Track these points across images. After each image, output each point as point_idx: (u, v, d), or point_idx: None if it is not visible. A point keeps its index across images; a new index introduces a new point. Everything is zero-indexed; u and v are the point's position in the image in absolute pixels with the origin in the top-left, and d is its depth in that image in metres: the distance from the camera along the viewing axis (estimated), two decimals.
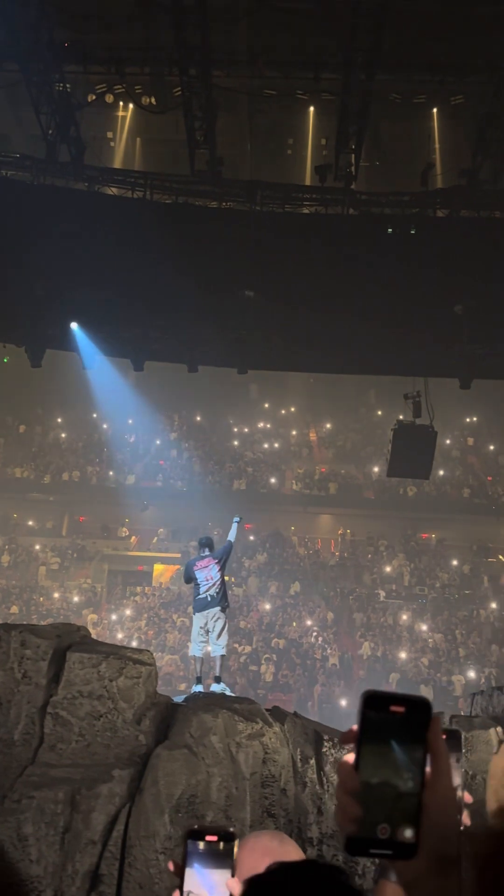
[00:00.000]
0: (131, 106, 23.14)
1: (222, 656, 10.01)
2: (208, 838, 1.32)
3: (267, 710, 5.66)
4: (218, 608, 9.58)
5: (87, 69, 18.64)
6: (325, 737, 5.40)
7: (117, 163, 22.70)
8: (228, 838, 1.32)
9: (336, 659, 23.79)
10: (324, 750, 5.36)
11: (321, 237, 17.06)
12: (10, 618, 23.63)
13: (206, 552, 9.88)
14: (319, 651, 24.14)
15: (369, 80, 17.17)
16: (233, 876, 1.30)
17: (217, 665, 10.06)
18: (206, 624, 9.56)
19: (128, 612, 26.97)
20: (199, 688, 9.39)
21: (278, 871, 1.12)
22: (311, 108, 23.68)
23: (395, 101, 22.02)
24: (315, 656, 23.72)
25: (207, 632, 9.59)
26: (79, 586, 28.98)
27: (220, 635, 9.64)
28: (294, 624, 26.33)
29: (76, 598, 27.87)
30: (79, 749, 5.02)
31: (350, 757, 1.00)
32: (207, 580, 9.58)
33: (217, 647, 9.72)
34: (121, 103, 23.08)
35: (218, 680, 9.91)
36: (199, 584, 9.61)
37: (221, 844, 1.32)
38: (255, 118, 24.38)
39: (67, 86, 18.09)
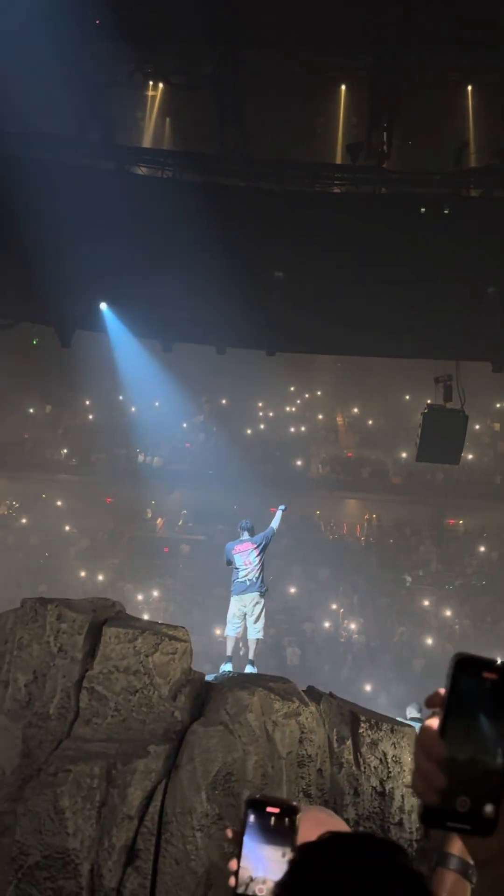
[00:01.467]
0: (161, 85, 22.90)
1: (258, 640, 10.04)
2: (269, 809, 1.26)
3: (302, 690, 5.60)
4: (257, 593, 9.61)
5: (117, 47, 18.49)
6: (362, 718, 5.33)
7: (146, 142, 22.51)
8: (291, 812, 1.26)
9: (362, 643, 23.74)
10: (360, 731, 5.29)
11: (352, 217, 16.82)
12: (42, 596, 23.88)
13: (246, 536, 9.88)
14: (345, 635, 24.09)
15: (401, 56, 16.85)
16: (292, 853, 1.23)
17: (252, 648, 10.08)
18: (243, 607, 9.58)
19: (154, 592, 27.13)
20: (228, 666, 9.40)
21: (333, 840, 1.03)
22: (343, 87, 23.24)
23: (428, 78, 21.56)
24: (341, 640, 23.69)
25: (244, 615, 9.61)
26: (106, 567, 29.21)
27: (258, 619, 9.68)
28: (320, 608, 26.31)
29: (102, 578, 28.09)
30: (114, 724, 5.01)
31: (434, 722, 0.94)
32: (246, 564, 9.60)
33: (254, 631, 9.75)
34: (150, 82, 22.85)
35: (252, 663, 9.93)
36: (237, 568, 9.64)
37: (283, 819, 1.25)
38: (285, 97, 24.04)
39: (97, 64, 17.99)
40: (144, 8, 18.77)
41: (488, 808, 0.91)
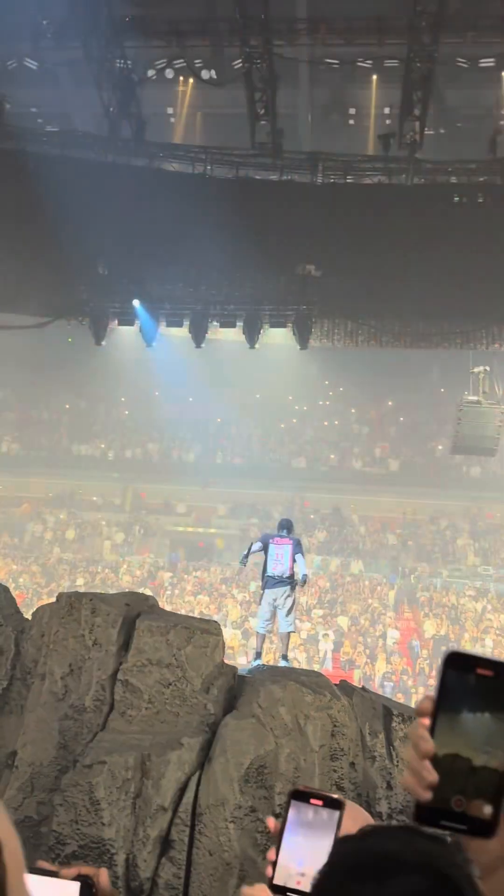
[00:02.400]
0: (191, 80, 22.92)
1: (290, 633, 10.04)
2: (313, 801, 1.25)
3: (335, 684, 5.61)
4: (288, 587, 9.60)
5: (148, 43, 18.55)
6: (395, 712, 5.32)
7: (177, 138, 22.57)
8: (334, 805, 1.24)
9: (398, 638, 23.61)
10: (393, 725, 5.28)
11: (385, 207, 16.67)
12: (77, 590, 24.22)
13: (285, 533, 9.89)
14: (381, 629, 23.99)
15: (434, 44, 16.60)
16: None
17: (284, 643, 10.09)
18: (275, 601, 9.58)
19: (189, 587, 27.32)
20: (258, 662, 9.43)
21: (374, 833, 1.01)
22: (374, 77, 22.97)
23: (460, 65, 21.18)
24: (376, 634, 23.59)
25: (276, 609, 9.61)
26: (142, 561, 29.50)
27: (289, 612, 9.67)
28: (355, 602, 26.23)
29: (138, 572, 28.37)
30: (148, 716, 5.07)
31: (427, 718, 0.91)
32: (279, 558, 9.58)
33: (286, 624, 9.75)
34: (181, 78, 22.88)
35: (285, 657, 9.94)
36: (270, 560, 9.61)
37: (326, 812, 1.24)
38: (316, 89, 23.89)
39: (128, 62, 18.08)
40: (174, 4, 18.80)
41: (486, 809, 0.88)
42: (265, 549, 9.76)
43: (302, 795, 1.25)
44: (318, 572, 28.66)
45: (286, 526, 10.08)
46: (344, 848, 1.00)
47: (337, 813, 1.22)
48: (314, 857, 1.19)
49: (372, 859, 0.92)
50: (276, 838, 1.24)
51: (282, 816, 1.25)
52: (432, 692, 0.92)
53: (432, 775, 0.88)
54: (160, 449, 34.96)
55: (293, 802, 1.25)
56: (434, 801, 0.89)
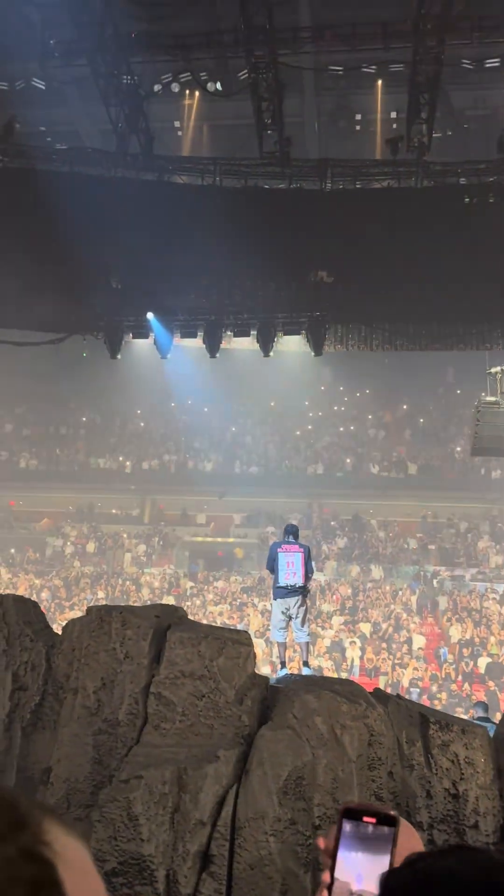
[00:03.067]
0: (197, 93, 23.07)
1: (307, 642, 9.94)
2: (366, 819, 1.18)
3: (369, 692, 5.54)
4: (299, 596, 9.46)
5: (153, 58, 18.69)
6: (432, 719, 5.24)
7: (186, 151, 22.71)
8: (389, 822, 1.18)
9: (422, 643, 23.41)
10: (430, 732, 5.20)
11: (395, 211, 16.66)
12: (99, 602, 24.24)
13: (291, 539, 9.68)
14: (405, 635, 23.80)
15: (440, 45, 16.59)
16: (391, 864, 1.17)
17: (303, 651, 9.99)
18: (287, 610, 9.46)
19: (209, 596, 27.27)
20: (284, 671, 9.34)
21: (449, 854, 0.97)
22: (379, 82, 23.00)
23: (465, 67, 21.15)
24: (400, 640, 23.40)
25: (289, 618, 9.49)
26: (162, 572, 29.49)
27: (303, 622, 9.55)
28: (377, 608, 26.05)
29: (158, 584, 28.36)
30: (182, 729, 5.03)
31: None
32: (289, 566, 9.40)
33: (301, 634, 9.64)
34: (187, 91, 23.03)
35: (306, 664, 9.85)
36: (280, 571, 9.46)
37: (381, 828, 1.18)
38: (322, 96, 23.96)
39: (135, 77, 18.21)
40: (178, 18, 18.96)
41: None
42: (275, 558, 9.56)
43: (354, 813, 1.20)
44: (339, 579, 28.51)
45: (292, 531, 9.84)
46: (403, 871, 0.98)
47: (392, 830, 1.17)
48: (371, 875, 1.15)
49: (436, 879, 0.90)
50: (329, 858, 1.19)
51: (334, 835, 1.20)
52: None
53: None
54: (177, 460, 35.02)
55: (345, 820, 1.20)
56: None
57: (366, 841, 1.18)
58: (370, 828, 1.19)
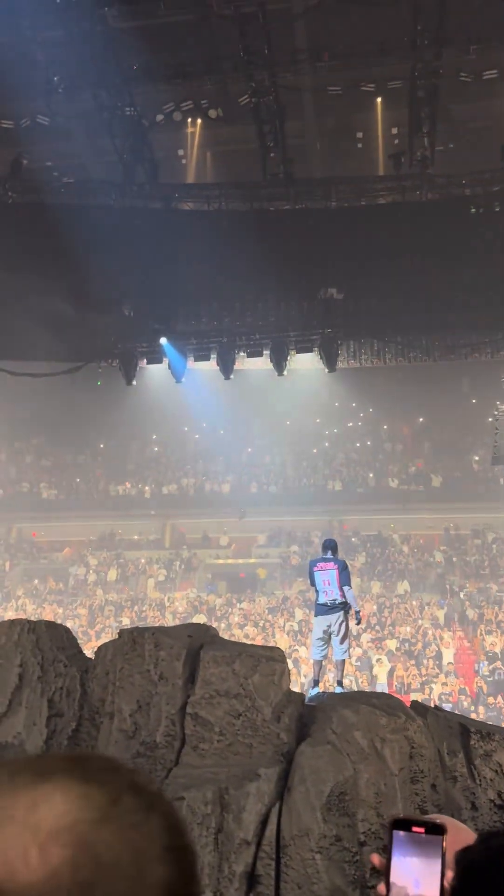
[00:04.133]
0: (199, 121, 23.38)
1: (344, 661, 9.81)
2: (415, 829, 1.24)
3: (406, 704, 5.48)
4: (341, 612, 9.37)
5: (154, 88, 19.00)
6: (472, 729, 5.17)
7: (190, 178, 22.98)
8: (436, 831, 1.23)
9: (451, 657, 23.11)
10: (471, 743, 5.13)
11: (401, 224, 16.76)
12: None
13: (329, 555, 9.62)
14: (434, 650, 23.51)
15: (438, 59, 16.77)
16: (442, 870, 1.20)
17: (339, 669, 9.87)
18: (328, 627, 9.37)
19: (235, 618, 27.12)
20: (316, 689, 9.23)
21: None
22: (379, 100, 23.22)
23: (464, 80, 21.33)
24: (429, 655, 23.12)
25: (330, 635, 9.40)
26: (186, 596, 29.40)
27: (343, 639, 9.44)
28: (404, 624, 25.78)
29: (182, 608, 28.27)
30: (221, 748, 4.99)
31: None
32: (326, 585, 9.33)
33: (340, 651, 9.52)
34: (189, 119, 23.34)
35: (340, 684, 9.72)
36: (318, 589, 9.41)
37: (429, 837, 1.23)
38: (323, 117, 24.23)
39: (137, 108, 18.53)
40: (178, 48, 19.29)
41: None
42: (312, 577, 9.51)
43: (403, 824, 1.25)
44: (364, 595, 28.27)
45: (330, 546, 9.76)
46: (476, 848, 1.00)
47: (440, 838, 1.23)
48: (427, 879, 1.20)
49: None
50: (385, 871, 1.24)
51: (386, 847, 1.25)
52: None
53: None
54: (195, 483, 35.05)
55: (395, 832, 1.25)
56: None
57: (418, 848, 1.23)
58: (420, 838, 1.25)
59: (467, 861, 0.97)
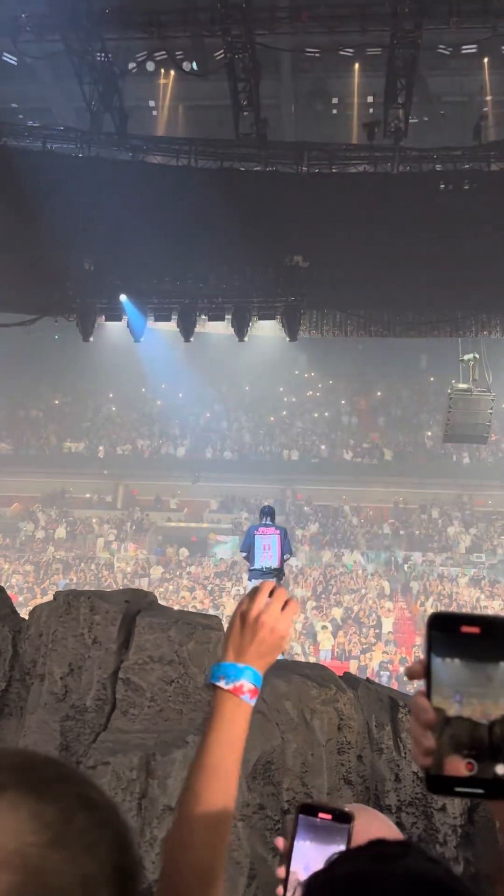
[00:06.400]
0: (172, 73, 22.70)
1: None
2: (322, 816, 1.24)
3: (339, 676, 5.54)
4: (274, 578, 9.48)
5: (128, 35, 18.32)
6: (401, 703, 5.26)
7: (160, 131, 22.38)
8: (343, 819, 1.23)
9: (393, 627, 23.65)
10: (399, 716, 5.22)
11: (371, 196, 16.59)
12: (71, 588, 24.11)
13: (269, 521, 9.70)
14: (376, 619, 24.01)
15: (417, 29, 16.48)
16: None
17: None
18: None
19: (183, 581, 27.24)
20: None
21: (370, 849, 0.93)
22: (356, 65, 22.83)
23: (443, 53, 21.07)
24: (371, 624, 23.61)
25: None
26: (135, 557, 29.39)
27: None
28: (349, 593, 26.24)
29: (131, 569, 28.27)
30: (151, 714, 4.99)
31: (420, 681, 0.90)
32: (266, 548, 9.44)
33: None
34: (162, 70, 22.66)
35: None
36: (256, 553, 9.49)
37: (336, 825, 1.23)
38: (299, 79, 23.76)
39: (109, 55, 17.85)
40: None
41: (499, 769, 0.84)
42: (251, 542, 9.59)
43: (310, 809, 1.24)
44: (312, 564, 28.64)
45: (269, 513, 9.89)
46: (322, 874, 0.94)
47: (347, 826, 1.22)
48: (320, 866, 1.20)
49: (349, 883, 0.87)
50: (286, 855, 1.23)
51: (290, 833, 1.25)
52: (422, 655, 0.91)
53: (429, 742, 0.86)
54: (150, 445, 34.82)
55: (301, 817, 1.24)
56: (443, 769, 0.85)
57: (323, 835, 1.22)
58: (326, 825, 1.23)
59: (311, 885, 0.92)
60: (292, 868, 1.22)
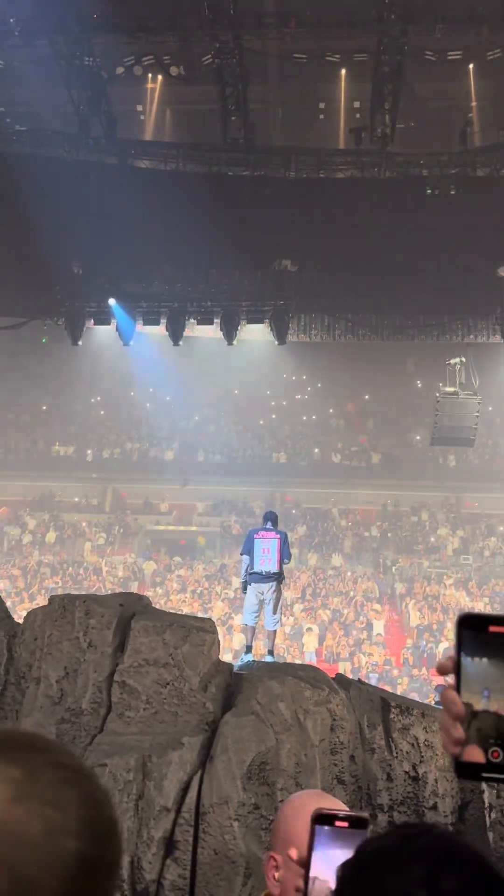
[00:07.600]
0: (160, 77, 22.75)
1: (275, 631, 10.00)
2: (338, 824, 1.26)
3: (331, 678, 5.62)
4: (275, 582, 9.52)
5: (116, 40, 18.36)
6: (392, 703, 5.33)
7: (148, 135, 22.43)
8: (360, 824, 1.25)
9: (381, 629, 23.75)
10: (391, 717, 5.29)
11: (358, 201, 16.72)
12: (58, 592, 24.01)
13: (269, 525, 9.73)
14: (364, 621, 24.11)
15: (404, 36, 16.63)
16: None
17: (270, 639, 10.04)
18: (262, 595, 9.51)
19: (173, 585, 27.23)
20: (248, 656, 9.38)
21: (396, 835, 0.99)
22: (343, 71, 22.99)
23: (429, 59, 21.24)
24: (359, 626, 23.70)
25: (262, 603, 9.54)
26: (124, 561, 29.33)
27: (276, 609, 9.60)
28: (337, 595, 26.33)
29: (121, 573, 28.22)
30: (146, 717, 5.04)
31: (450, 677, 0.97)
32: (265, 552, 9.46)
33: (272, 622, 9.68)
34: (149, 75, 22.69)
35: (271, 653, 9.91)
36: (255, 556, 9.51)
37: (353, 831, 1.25)
38: (286, 84, 23.87)
39: (97, 59, 17.88)
40: (141, 1, 18.63)
41: None
42: (251, 545, 9.62)
43: (325, 819, 1.25)
44: (300, 566, 28.71)
45: (271, 518, 9.91)
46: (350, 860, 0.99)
47: (365, 831, 1.23)
48: None
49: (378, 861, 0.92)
50: (305, 866, 1.24)
51: (307, 843, 1.25)
52: (452, 652, 0.98)
53: (459, 732, 0.93)
54: (139, 448, 34.79)
55: (317, 827, 1.25)
56: (471, 757, 0.93)
57: (342, 842, 1.24)
58: (344, 831, 1.25)
59: (342, 873, 0.97)
60: (321, 876, 1.23)
